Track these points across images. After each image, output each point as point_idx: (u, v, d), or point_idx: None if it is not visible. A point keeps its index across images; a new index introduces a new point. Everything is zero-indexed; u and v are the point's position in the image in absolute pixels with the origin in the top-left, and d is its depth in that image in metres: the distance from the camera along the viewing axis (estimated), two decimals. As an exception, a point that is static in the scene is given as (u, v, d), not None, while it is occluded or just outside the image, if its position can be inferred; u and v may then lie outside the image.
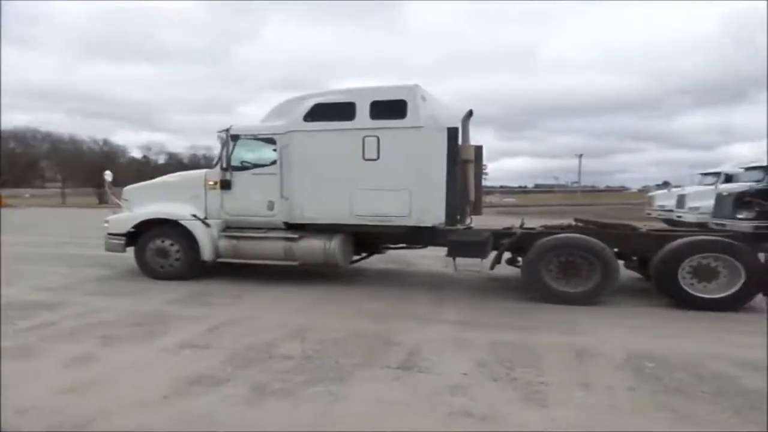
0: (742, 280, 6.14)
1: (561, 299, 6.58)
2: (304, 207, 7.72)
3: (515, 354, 4.67)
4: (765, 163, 14.30)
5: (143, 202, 8.57)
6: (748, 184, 13.30)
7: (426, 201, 7.15)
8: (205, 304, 6.72)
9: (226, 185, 8.03)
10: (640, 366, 4.36)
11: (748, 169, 15.27)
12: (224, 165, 8.01)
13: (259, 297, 7.14)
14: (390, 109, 7.19)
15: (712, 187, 14.94)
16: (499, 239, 7.24)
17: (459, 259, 7.27)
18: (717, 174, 17.16)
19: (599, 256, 6.53)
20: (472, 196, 7.83)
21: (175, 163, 57.89)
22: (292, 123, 7.66)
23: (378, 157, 7.28)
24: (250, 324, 5.72)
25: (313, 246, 7.66)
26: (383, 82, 8.01)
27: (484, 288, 7.85)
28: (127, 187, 9.06)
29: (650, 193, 22.35)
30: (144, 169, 54.10)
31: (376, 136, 7.26)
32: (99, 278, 8.52)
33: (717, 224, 10.69)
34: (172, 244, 8.15)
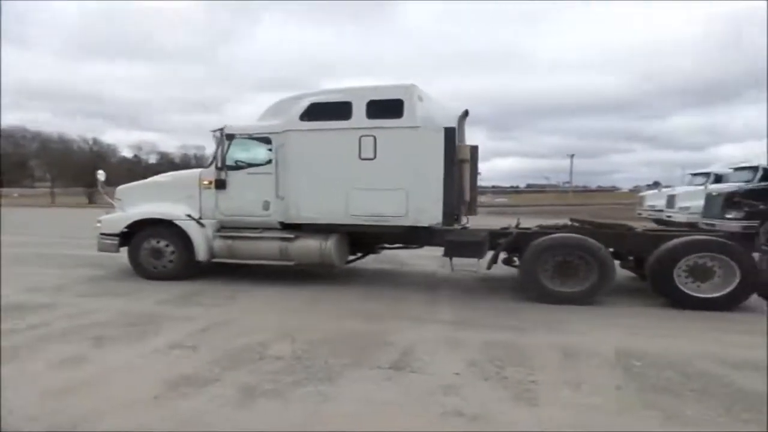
0: (737, 280, 6.19)
1: (557, 299, 6.60)
2: (300, 207, 7.68)
3: (507, 353, 4.69)
4: (754, 164, 14.50)
5: (136, 202, 8.48)
6: (737, 184, 13.50)
7: (423, 201, 7.14)
8: (198, 304, 6.66)
9: (221, 185, 7.97)
10: (628, 365, 4.39)
11: (737, 169, 15.48)
12: (219, 164, 7.95)
13: (253, 297, 7.09)
14: (387, 108, 7.17)
15: (702, 187, 15.12)
16: (495, 239, 7.25)
17: (456, 259, 7.26)
18: (707, 174, 17.36)
19: (596, 256, 6.56)
20: (467, 197, 7.84)
21: (166, 163, 57.56)
22: (288, 122, 7.61)
23: (374, 157, 7.25)
24: (243, 324, 5.68)
25: (308, 246, 7.62)
26: (374, 82, 7.93)
27: (478, 288, 7.86)
28: (120, 187, 8.94)
29: (641, 194, 22.54)
30: (135, 169, 53.75)
31: (372, 135, 7.23)
32: (91, 279, 8.42)
33: (706, 224, 10.82)
34: (166, 245, 8.08)
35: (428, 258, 9.69)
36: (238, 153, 8.08)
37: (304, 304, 6.74)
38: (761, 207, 10.48)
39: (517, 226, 7.83)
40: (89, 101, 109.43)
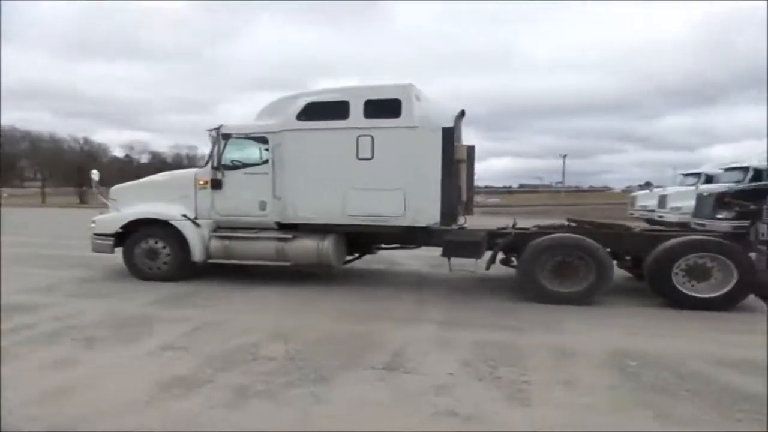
0: (735, 280, 6.23)
1: (555, 299, 6.61)
2: (297, 207, 7.63)
3: (503, 354, 4.68)
4: (744, 164, 14.65)
5: (131, 202, 8.38)
6: (728, 184, 13.61)
7: (421, 201, 7.12)
8: (192, 305, 6.60)
9: (217, 185, 7.90)
10: (623, 365, 4.40)
11: (728, 169, 15.66)
12: (215, 164, 7.88)
13: (248, 298, 7.04)
14: (384, 108, 7.15)
15: (693, 187, 15.23)
16: (493, 239, 7.25)
17: (454, 260, 7.26)
18: (698, 175, 17.52)
19: (594, 256, 6.58)
20: (464, 196, 7.84)
21: (158, 163, 57.03)
22: (285, 122, 7.57)
23: (372, 157, 7.23)
24: (236, 325, 5.64)
25: (305, 246, 7.58)
26: (373, 81, 7.91)
27: (475, 288, 7.85)
28: (115, 187, 8.85)
29: (633, 194, 22.69)
30: (127, 168, 53.25)
31: (370, 135, 7.21)
32: (83, 280, 8.31)
33: (697, 224, 10.90)
34: (162, 246, 7.99)
35: (425, 258, 9.66)
36: (234, 152, 8.01)
37: (300, 304, 6.70)
38: (751, 207, 10.55)
39: (514, 226, 7.83)
40: (83, 101, 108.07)
